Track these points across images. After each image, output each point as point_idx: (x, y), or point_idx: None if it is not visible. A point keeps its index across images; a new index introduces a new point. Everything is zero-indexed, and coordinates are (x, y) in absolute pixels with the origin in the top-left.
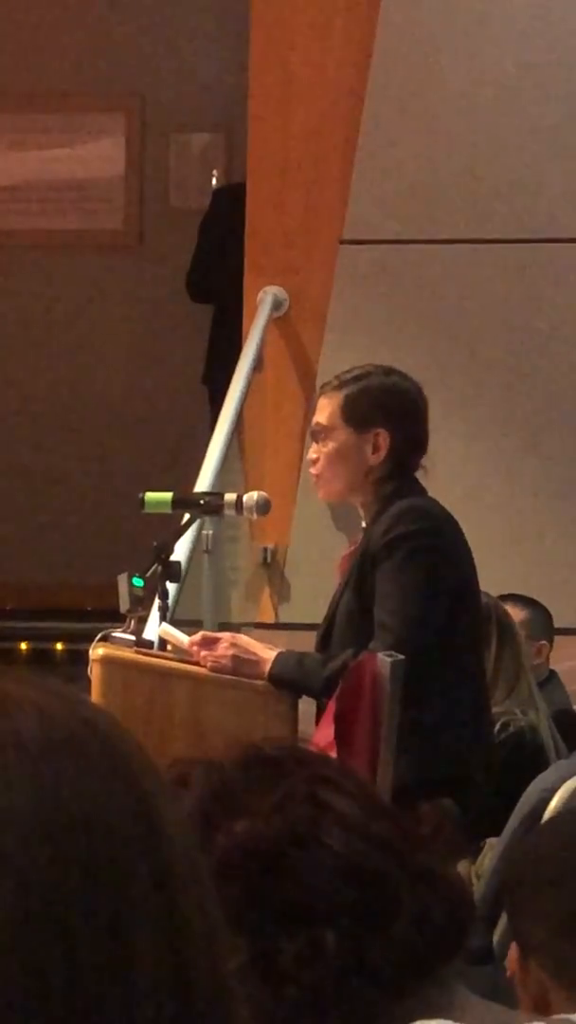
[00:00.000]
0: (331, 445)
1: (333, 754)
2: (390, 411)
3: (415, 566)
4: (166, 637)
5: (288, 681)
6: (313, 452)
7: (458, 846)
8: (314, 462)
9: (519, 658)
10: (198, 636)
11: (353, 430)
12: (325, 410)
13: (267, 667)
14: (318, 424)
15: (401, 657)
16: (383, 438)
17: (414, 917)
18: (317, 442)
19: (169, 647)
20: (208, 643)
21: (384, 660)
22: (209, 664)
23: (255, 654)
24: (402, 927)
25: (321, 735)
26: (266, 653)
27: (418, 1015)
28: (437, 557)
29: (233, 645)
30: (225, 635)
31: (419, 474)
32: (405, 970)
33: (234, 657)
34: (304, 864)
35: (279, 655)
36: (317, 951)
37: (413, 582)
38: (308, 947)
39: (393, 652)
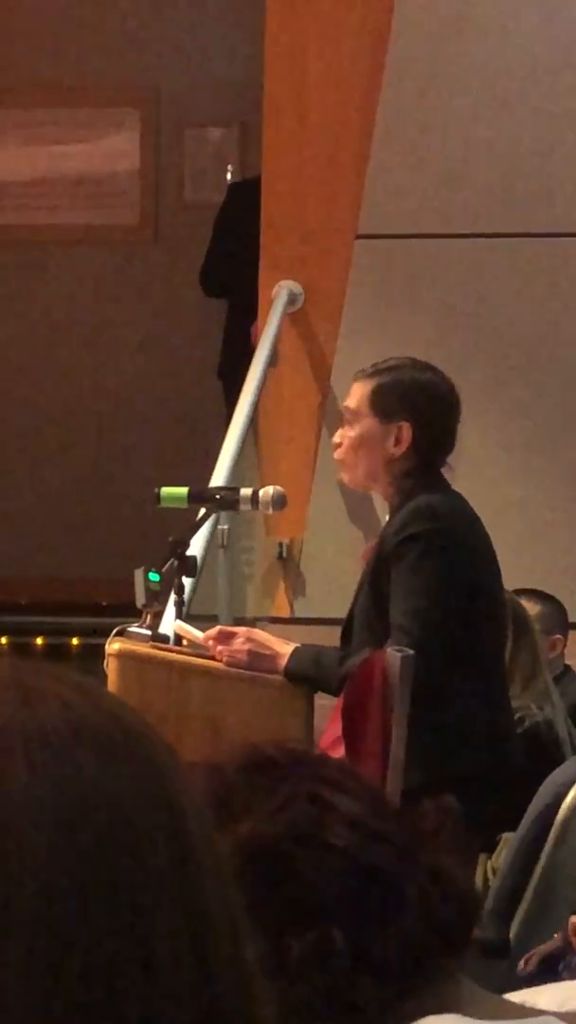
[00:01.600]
0: (355, 431)
1: (341, 749)
2: (416, 405)
3: (428, 567)
4: (181, 633)
5: (304, 677)
6: (338, 436)
7: (463, 842)
8: (337, 446)
9: (536, 653)
10: (214, 630)
11: (378, 419)
12: (355, 395)
13: (283, 662)
14: (346, 408)
15: (411, 652)
16: (406, 431)
17: (420, 913)
18: (343, 426)
19: (185, 642)
20: (224, 637)
21: (393, 655)
22: (225, 658)
23: (271, 649)
24: (409, 923)
25: (330, 731)
26: (283, 648)
27: (427, 1011)
28: (450, 557)
29: (249, 640)
30: (241, 630)
31: (444, 471)
32: (413, 966)
33: (250, 652)
34: (309, 863)
35: (296, 650)
36: (325, 949)
37: (427, 584)
38: (316, 945)
39: (403, 648)
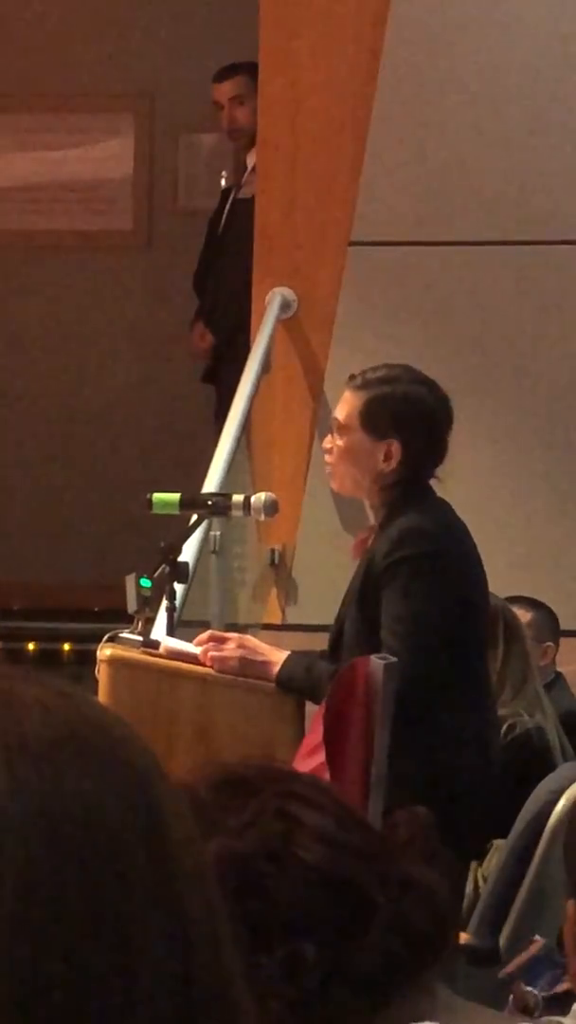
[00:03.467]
0: (344, 443)
1: (320, 755)
2: (406, 422)
3: (419, 592)
4: (170, 653)
5: (296, 687)
6: (327, 443)
7: (436, 852)
8: (328, 451)
9: (526, 660)
10: (206, 635)
11: (368, 435)
12: (345, 407)
13: (275, 669)
14: (336, 419)
15: (394, 660)
16: (396, 449)
17: (392, 924)
18: (333, 433)
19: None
20: (216, 643)
21: (376, 663)
22: (216, 665)
23: (263, 655)
24: (381, 935)
25: (309, 737)
26: (275, 655)
27: (402, 1021)
28: (440, 580)
29: (241, 646)
30: (233, 636)
31: (432, 483)
32: (387, 977)
33: (241, 658)
34: (279, 878)
35: (288, 658)
36: (297, 964)
37: (417, 609)
38: (288, 961)
39: (386, 655)
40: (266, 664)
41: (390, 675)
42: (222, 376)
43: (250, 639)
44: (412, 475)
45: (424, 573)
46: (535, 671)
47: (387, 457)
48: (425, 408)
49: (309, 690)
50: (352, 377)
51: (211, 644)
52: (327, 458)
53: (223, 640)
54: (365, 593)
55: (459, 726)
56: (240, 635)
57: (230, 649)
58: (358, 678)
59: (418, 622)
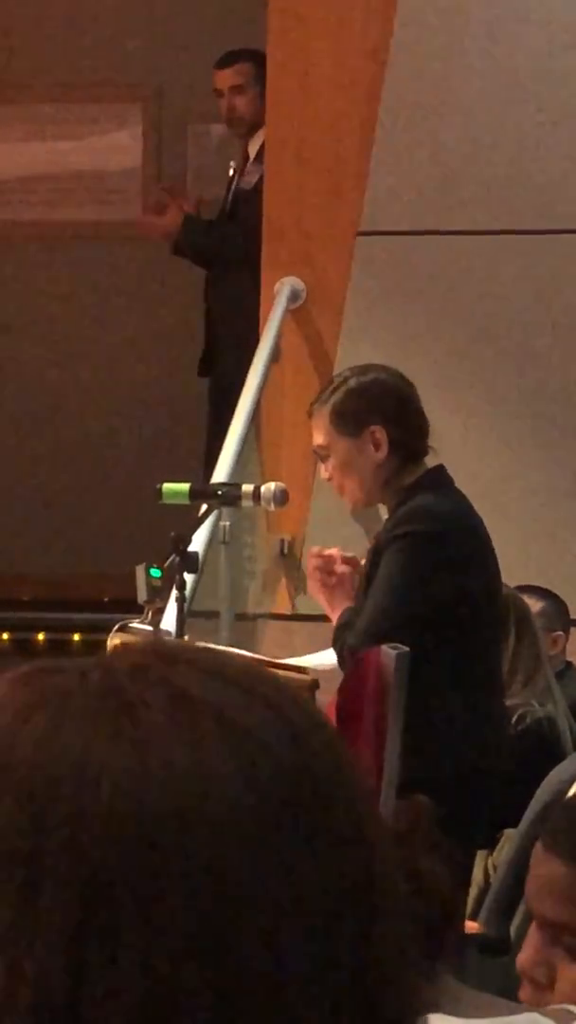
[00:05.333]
0: (335, 459)
1: None
2: (377, 406)
3: (399, 563)
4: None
5: (335, 635)
6: (324, 472)
7: (437, 841)
8: (329, 479)
9: (537, 649)
10: (320, 554)
11: (349, 437)
12: (319, 429)
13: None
14: (318, 445)
15: (406, 649)
16: (380, 433)
17: None
18: (323, 461)
19: (187, 637)
20: (326, 563)
21: (388, 652)
22: (317, 580)
23: (333, 604)
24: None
25: None
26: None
27: None
28: (431, 560)
29: (341, 582)
30: (344, 570)
31: (432, 456)
32: None
33: (339, 585)
34: None
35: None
36: None
37: (398, 582)
38: None
39: (397, 645)
40: (337, 608)
41: (401, 665)
42: (218, 368)
43: (348, 580)
44: (408, 453)
45: (417, 551)
46: (546, 661)
47: (376, 445)
48: (385, 384)
49: (338, 647)
50: (311, 405)
51: (322, 563)
52: (334, 487)
53: (331, 567)
54: (372, 571)
55: (446, 711)
56: (344, 570)
57: (341, 572)
58: (369, 668)
59: (394, 595)
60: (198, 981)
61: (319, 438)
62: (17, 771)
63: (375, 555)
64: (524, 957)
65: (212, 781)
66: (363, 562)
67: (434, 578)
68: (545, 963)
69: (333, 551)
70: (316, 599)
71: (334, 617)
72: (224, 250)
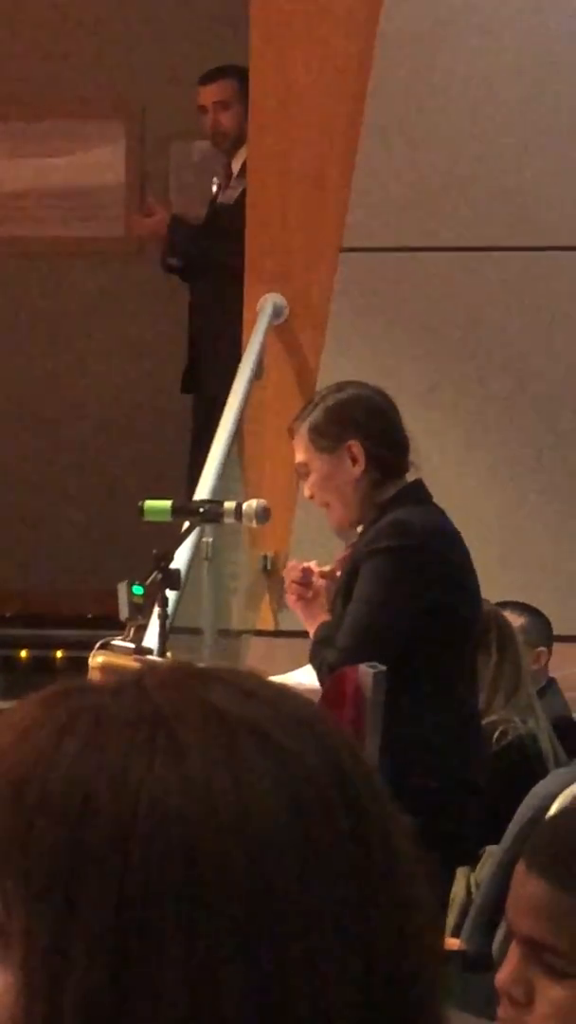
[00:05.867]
0: (316, 476)
1: None
2: (354, 421)
3: (384, 582)
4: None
5: (314, 651)
6: (306, 490)
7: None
8: (311, 496)
9: (519, 666)
10: (297, 568)
11: (327, 454)
12: (299, 446)
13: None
14: (299, 463)
15: (383, 668)
16: (356, 448)
17: None
18: (304, 479)
19: (169, 655)
20: (305, 576)
21: (366, 671)
22: (293, 595)
23: (319, 615)
24: None
25: None
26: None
27: None
28: (410, 575)
29: (317, 596)
30: (319, 583)
31: (415, 471)
32: None
33: (314, 598)
34: None
35: (320, 625)
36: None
37: (377, 597)
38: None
39: (375, 664)
40: (314, 621)
41: (379, 683)
42: (202, 384)
43: (323, 593)
44: (387, 467)
45: (395, 565)
46: (527, 677)
47: (353, 459)
48: (361, 400)
49: (316, 663)
50: (291, 424)
51: (301, 576)
52: (316, 504)
53: (309, 580)
54: (349, 586)
55: (429, 724)
56: (320, 584)
57: (318, 586)
58: (347, 686)
59: (372, 610)
60: (239, 995)
61: (299, 456)
62: (55, 790)
63: (352, 568)
64: (503, 974)
65: (252, 797)
66: (338, 573)
67: (413, 592)
68: (524, 981)
69: (311, 564)
70: (294, 611)
71: (311, 630)
72: (207, 260)
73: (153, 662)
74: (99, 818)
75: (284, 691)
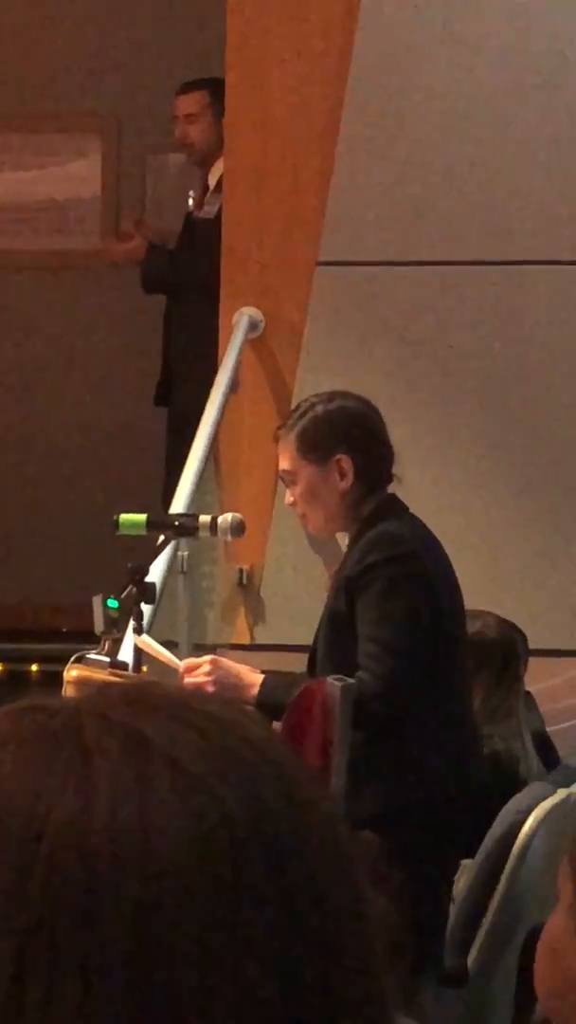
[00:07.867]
0: (301, 485)
1: None
2: (343, 434)
3: (397, 597)
4: (145, 648)
5: (276, 706)
6: (289, 496)
7: (383, 876)
8: (292, 504)
9: (515, 696)
10: (182, 665)
11: (314, 464)
12: (285, 454)
13: (254, 692)
14: (283, 470)
15: (351, 681)
16: (345, 462)
17: None
18: (289, 486)
19: (145, 668)
20: (188, 670)
21: (334, 684)
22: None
23: (239, 678)
24: None
25: None
26: (251, 677)
27: None
28: (415, 583)
29: (215, 669)
30: (206, 659)
31: (393, 485)
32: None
33: (216, 682)
34: None
35: (265, 680)
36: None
37: (397, 613)
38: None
39: (343, 676)
40: (243, 688)
41: (347, 697)
42: (175, 398)
43: (222, 661)
44: (372, 483)
45: (400, 577)
46: (521, 708)
47: (342, 474)
48: (351, 412)
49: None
50: (277, 430)
51: (185, 671)
52: (297, 511)
53: (195, 667)
54: (338, 604)
55: (432, 744)
56: (213, 658)
57: (202, 675)
58: (314, 701)
59: (398, 626)
60: None
61: (285, 463)
62: None
63: (346, 586)
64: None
65: (154, 830)
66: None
67: (420, 598)
68: None
69: (184, 664)
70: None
71: (254, 692)
72: (184, 279)
73: (114, 682)
74: (7, 848)
75: (233, 721)
